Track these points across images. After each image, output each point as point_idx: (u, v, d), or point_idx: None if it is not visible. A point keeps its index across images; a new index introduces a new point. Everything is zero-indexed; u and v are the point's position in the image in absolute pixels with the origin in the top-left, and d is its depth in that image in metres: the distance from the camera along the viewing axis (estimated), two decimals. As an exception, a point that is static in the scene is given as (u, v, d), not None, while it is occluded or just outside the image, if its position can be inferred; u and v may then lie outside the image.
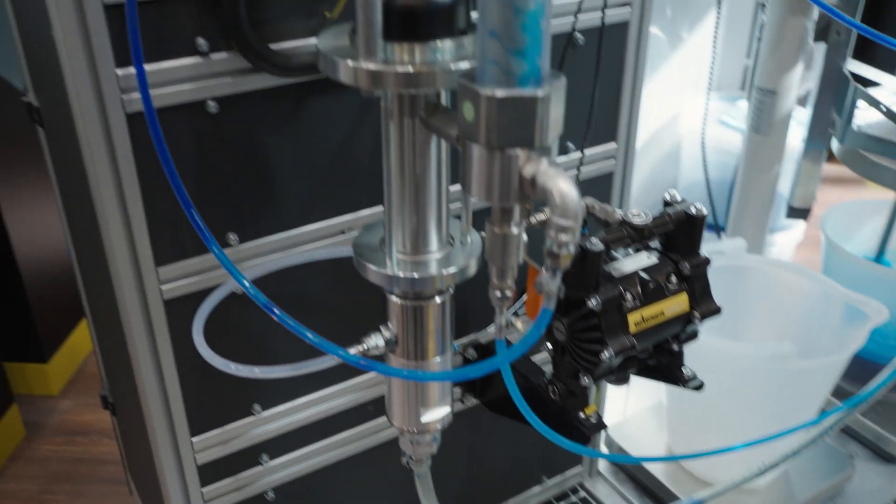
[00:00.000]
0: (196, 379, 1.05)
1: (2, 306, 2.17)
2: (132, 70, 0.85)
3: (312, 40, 0.94)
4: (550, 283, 0.68)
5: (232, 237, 1.00)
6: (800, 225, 2.14)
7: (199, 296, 0.99)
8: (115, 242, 0.93)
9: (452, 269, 0.86)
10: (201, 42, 0.89)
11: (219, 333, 1.00)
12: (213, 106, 0.92)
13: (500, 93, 0.64)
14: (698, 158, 1.96)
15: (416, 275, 0.85)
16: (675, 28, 1.99)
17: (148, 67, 0.87)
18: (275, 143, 0.98)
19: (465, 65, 0.72)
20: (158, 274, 0.97)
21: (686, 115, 2.10)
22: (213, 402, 1.08)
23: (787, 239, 2.13)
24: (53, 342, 2.29)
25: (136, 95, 0.86)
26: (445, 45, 0.74)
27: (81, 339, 2.41)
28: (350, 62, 0.72)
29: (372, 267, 0.85)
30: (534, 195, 0.67)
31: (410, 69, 0.72)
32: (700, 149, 1.94)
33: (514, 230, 0.72)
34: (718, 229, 1.97)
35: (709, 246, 1.59)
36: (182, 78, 0.90)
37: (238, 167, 0.97)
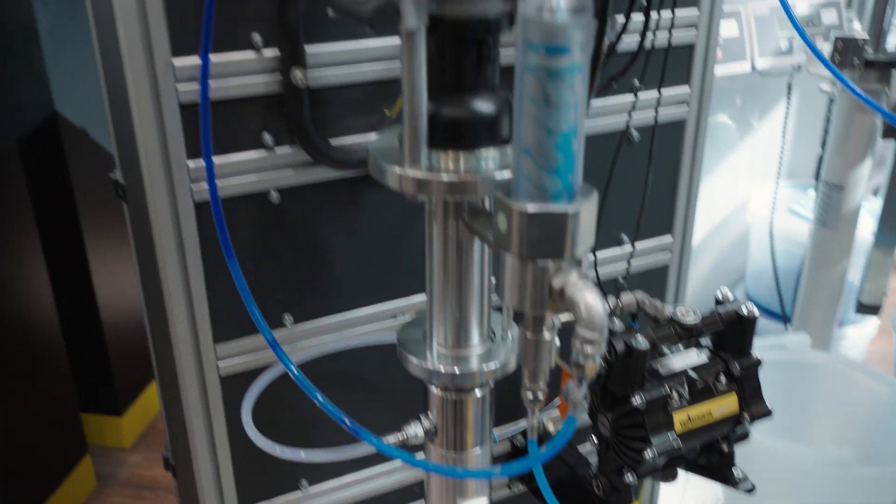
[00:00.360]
0: (247, 451, 1.08)
1: (83, 358, 2.28)
2: (202, 162, 0.91)
3: (372, 135, 0.99)
4: (576, 393, 0.69)
5: (287, 318, 1.04)
6: (873, 318, 2.08)
7: (254, 374, 1.03)
8: (177, 318, 0.99)
9: (493, 365, 0.88)
10: (267, 137, 0.95)
11: (269, 410, 1.04)
12: (275, 196, 0.98)
13: (532, 207, 0.66)
14: (767, 246, 1.93)
15: (456, 370, 0.87)
16: (745, 116, 1.99)
17: (217, 159, 0.93)
18: (331, 230, 1.03)
19: (507, 173, 0.75)
20: (216, 351, 1.02)
21: (756, 202, 2.09)
22: (262, 474, 1.12)
23: (860, 333, 2.07)
24: (129, 396, 2.39)
25: (205, 185, 0.93)
26: (489, 154, 0.77)
27: (155, 396, 2.50)
28: (397, 169, 0.76)
29: (413, 360, 0.88)
30: (562, 305, 0.69)
31: (455, 178, 0.76)
32: (768, 237, 1.91)
33: (547, 336, 0.74)
34: (786, 319, 1.93)
35: (771, 340, 1.57)
36: (248, 169, 0.96)
37: (296, 253, 1.02)
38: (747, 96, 1.96)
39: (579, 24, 0.63)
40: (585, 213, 0.67)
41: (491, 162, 0.77)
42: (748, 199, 2.09)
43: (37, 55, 2.05)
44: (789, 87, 1.81)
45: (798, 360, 1.53)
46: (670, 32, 1.10)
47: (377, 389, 1.13)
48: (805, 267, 1.74)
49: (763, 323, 2.12)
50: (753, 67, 1.75)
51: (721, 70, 1.72)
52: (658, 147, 1.22)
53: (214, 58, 0.89)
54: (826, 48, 1.53)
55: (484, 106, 0.76)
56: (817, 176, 1.79)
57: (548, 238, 0.67)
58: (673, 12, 1.09)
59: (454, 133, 0.77)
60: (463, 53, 0.75)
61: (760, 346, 1.53)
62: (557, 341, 0.76)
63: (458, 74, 0.76)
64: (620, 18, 1.10)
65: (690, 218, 1.31)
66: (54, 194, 2.16)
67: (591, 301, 0.66)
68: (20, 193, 2.04)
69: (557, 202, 0.67)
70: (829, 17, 1.82)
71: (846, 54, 1.45)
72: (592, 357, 0.67)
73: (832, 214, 1.62)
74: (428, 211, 0.82)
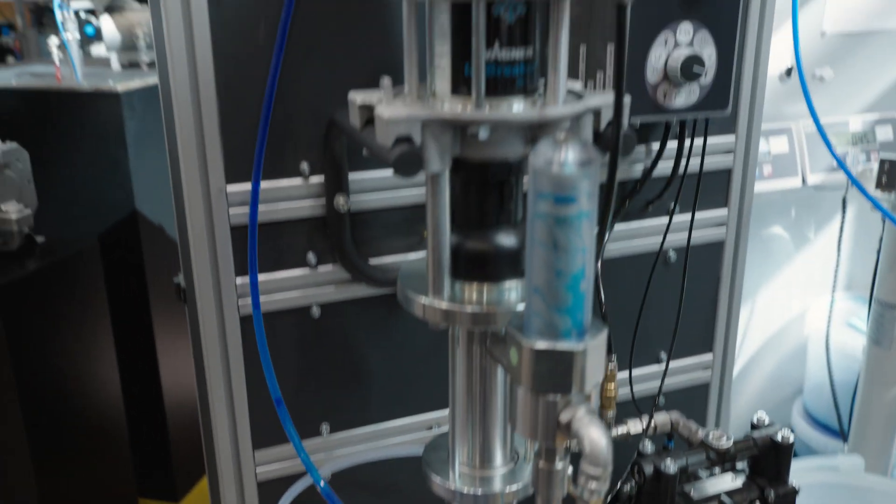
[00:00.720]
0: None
1: (144, 443, 2.36)
2: (248, 279, 0.98)
3: (411, 255, 1.05)
4: (583, 526, 0.70)
5: (324, 427, 1.08)
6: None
7: (291, 479, 1.07)
8: (219, 423, 1.04)
9: (515, 487, 0.89)
10: (311, 256, 1.02)
11: (303, 517, 1.07)
12: (316, 311, 1.04)
13: (542, 344, 0.69)
14: (825, 360, 1.89)
15: (479, 491, 0.89)
16: (801, 228, 1.99)
17: (264, 277, 1.00)
18: (369, 344, 1.08)
19: (526, 305, 0.79)
20: (255, 457, 1.06)
21: (813, 314, 2.05)
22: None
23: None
24: (186, 484, 2.45)
25: (251, 301, 0.99)
26: (512, 285, 0.81)
27: (211, 482, 2.56)
28: (423, 299, 0.81)
29: (437, 480, 0.90)
30: (569, 438, 0.71)
31: (479, 309, 0.79)
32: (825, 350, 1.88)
33: (559, 465, 0.76)
34: (844, 436, 1.87)
35: (823, 460, 1.53)
36: (292, 286, 1.02)
37: (335, 364, 1.07)
38: (802, 209, 1.96)
39: (586, 176, 0.68)
40: (593, 350, 0.70)
41: (513, 293, 0.81)
42: (806, 310, 2.06)
43: (123, 157, 2.21)
44: (844, 201, 1.81)
45: (850, 483, 1.48)
46: (702, 160, 1.13)
47: (408, 500, 1.15)
48: (860, 386, 1.70)
49: (820, 440, 2.05)
50: (804, 182, 1.76)
51: (771, 185, 1.74)
52: (697, 266, 1.24)
53: (266, 184, 0.97)
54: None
55: (507, 240, 0.81)
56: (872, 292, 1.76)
57: (556, 374, 0.70)
58: (705, 141, 1.13)
59: (478, 266, 0.81)
60: (486, 192, 0.80)
61: (811, 467, 1.50)
62: (570, 469, 0.78)
63: (481, 211, 0.81)
64: (656, 145, 1.14)
65: (732, 336, 1.31)
66: (129, 287, 2.29)
67: (595, 437, 0.68)
68: (97, 285, 2.17)
69: (566, 340, 0.70)
70: (883, 133, 1.82)
71: (893, 174, 1.46)
72: (597, 492, 0.68)
73: (886, 334, 1.59)
74: (451, 336, 0.86)
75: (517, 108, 0.76)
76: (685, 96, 1.01)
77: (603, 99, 0.77)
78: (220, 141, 0.93)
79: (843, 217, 1.81)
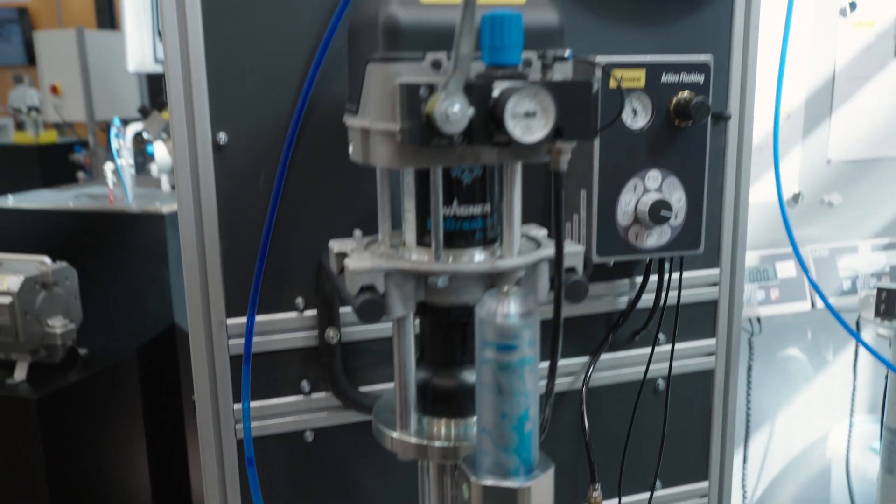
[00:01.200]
0: None
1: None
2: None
3: (401, 383, 1.11)
4: None
5: (316, 549, 1.13)
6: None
7: None
8: (217, 544, 1.09)
9: None
10: (305, 384, 1.09)
11: None
12: (309, 435, 1.10)
13: (490, 482, 0.74)
14: (846, 485, 1.86)
15: None
16: (818, 350, 1.99)
17: (260, 403, 1.07)
18: (360, 468, 1.13)
19: (487, 439, 0.84)
20: (248, 576, 1.11)
21: (834, 437, 2.03)
22: None
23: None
24: None
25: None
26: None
27: None
28: (394, 433, 0.87)
29: None
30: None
31: (447, 444, 0.85)
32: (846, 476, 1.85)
33: None
34: (871, 568, 1.81)
35: None
36: (287, 412, 1.09)
37: (327, 486, 1.12)
38: (819, 331, 1.97)
39: (527, 326, 0.74)
40: (538, 487, 0.75)
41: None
42: (828, 434, 2.03)
43: (164, 273, 2.34)
44: (857, 324, 1.82)
45: None
46: (679, 294, 1.18)
47: None
48: (876, 515, 1.66)
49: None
50: (814, 306, 1.77)
51: (779, 309, 1.76)
52: (689, 395, 1.28)
53: (264, 317, 1.05)
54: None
55: (472, 378, 0.86)
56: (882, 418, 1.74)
57: (502, 511, 0.74)
58: (680, 277, 1.18)
59: (445, 402, 0.87)
60: (451, 333, 0.87)
61: None
62: None
63: (447, 350, 0.87)
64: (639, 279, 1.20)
65: (727, 465, 1.32)
66: (165, 398, 2.38)
67: (537, 574, 0.72)
68: (134, 396, 2.27)
69: (513, 478, 0.75)
70: (894, 258, 1.84)
71: (891, 303, 1.48)
72: None
73: (897, 462, 1.57)
74: (421, 467, 0.91)
75: (478, 257, 0.84)
76: (656, 237, 1.07)
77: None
78: (221, 278, 1.02)
79: (858, 339, 1.81)
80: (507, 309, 0.74)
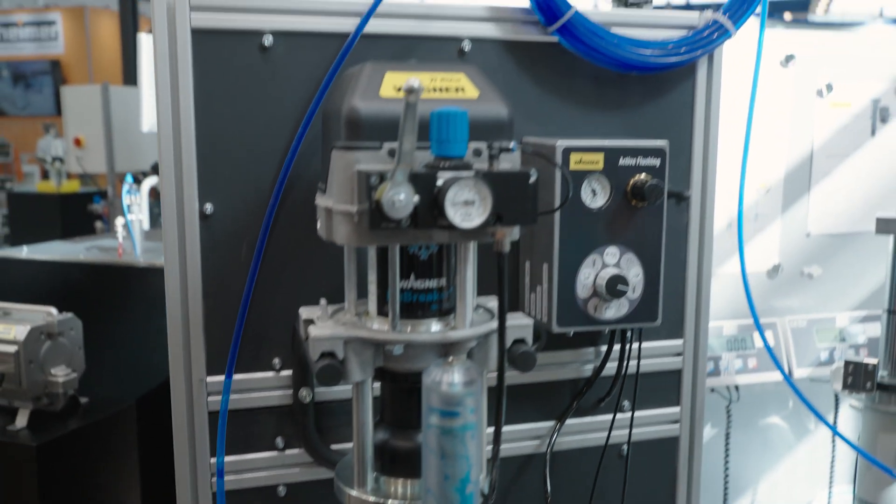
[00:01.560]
0: None
1: None
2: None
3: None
4: None
5: None
6: None
7: None
8: None
9: None
10: (279, 441, 1.14)
11: None
12: (282, 490, 1.15)
13: (433, 540, 0.80)
14: (830, 556, 1.87)
15: None
16: (800, 419, 2.02)
17: (235, 458, 1.13)
18: (332, 522, 1.18)
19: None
20: None
21: (818, 506, 2.04)
22: None
23: None
24: None
25: (225, 479, 1.11)
26: (430, 480, 0.92)
27: None
28: (352, 492, 0.92)
29: None
30: None
31: (402, 503, 0.90)
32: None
33: None
34: None
35: None
36: (261, 467, 1.14)
37: (298, 542, 1.17)
38: (800, 401, 2.00)
39: (470, 394, 0.80)
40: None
41: (431, 487, 0.92)
42: (810, 502, 2.05)
43: (166, 326, 2.41)
44: (836, 396, 1.85)
45: None
46: (638, 364, 1.23)
47: None
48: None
49: None
50: (790, 376, 1.81)
51: (755, 378, 1.80)
52: (654, 462, 1.32)
53: (242, 376, 1.12)
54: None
55: (427, 439, 0.92)
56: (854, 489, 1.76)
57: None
58: (640, 347, 1.23)
59: (401, 463, 0.93)
60: (407, 398, 0.92)
61: None
62: None
63: (404, 414, 0.93)
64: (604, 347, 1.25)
65: (693, 531, 1.35)
66: (161, 447, 2.43)
67: None
68: (131, 445, 2.32)
69: (457, 536, 0.80)
70: (873, 330, 1.88)
71: (857, 376, 1.52)
72: None
73: (870, 535, 1.59)
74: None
75: (434, 328, 0.90)
76: (615, 309, 1.13)
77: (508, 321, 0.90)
78: (203, 338, 1.09)
79: (836, 411, 1.84)
80: (451, 378, 0.80)
